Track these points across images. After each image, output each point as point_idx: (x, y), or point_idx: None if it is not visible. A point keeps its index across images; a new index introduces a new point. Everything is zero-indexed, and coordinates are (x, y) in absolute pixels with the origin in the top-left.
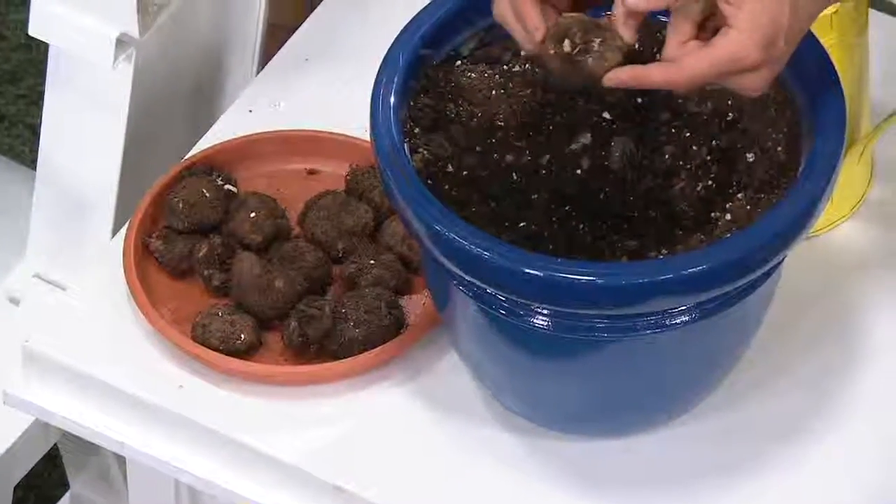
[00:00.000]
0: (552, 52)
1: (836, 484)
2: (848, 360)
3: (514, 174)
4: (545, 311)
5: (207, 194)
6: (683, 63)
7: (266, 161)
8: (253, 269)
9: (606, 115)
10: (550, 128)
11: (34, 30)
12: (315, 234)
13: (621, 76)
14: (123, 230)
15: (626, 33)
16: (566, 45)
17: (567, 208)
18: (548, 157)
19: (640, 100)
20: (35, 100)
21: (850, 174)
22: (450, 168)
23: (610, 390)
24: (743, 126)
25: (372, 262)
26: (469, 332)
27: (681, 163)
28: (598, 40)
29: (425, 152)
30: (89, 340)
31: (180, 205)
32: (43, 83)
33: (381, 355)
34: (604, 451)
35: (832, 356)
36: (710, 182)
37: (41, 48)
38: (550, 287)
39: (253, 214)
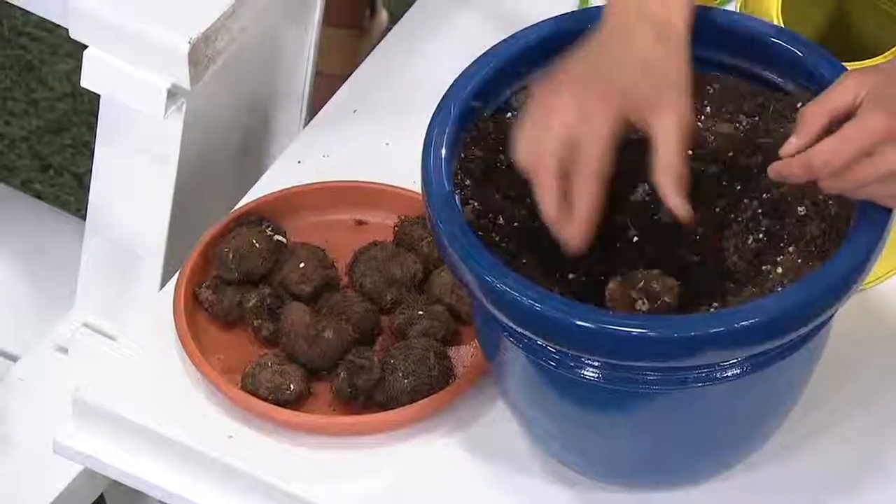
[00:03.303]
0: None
1: None
2: None
3: None
4: (595, 363)
5: (257, 245)
6: (845, 134)
7: (315, 212)
8: (302, 320)
9: None
10: None
11: (86, 81)
12: (364, 285)
13: (793, 170)
14: (173, 280)
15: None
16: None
17: (617, 261)
18: None
19: (691, 152)
20: (80, 149)
21: None
22: (500, 219)
23: (659, 442)
24: None
25: (420, 312)
26: (518, 382)
27: (732, 216)
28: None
29: (476, 203)
30: (138, 390)
31: (230, 255)
32: (88, 133)
33: (430, 406)
34: (654, 503)
35: (884, 409)
36: (761, 235)
37: (86, 98)
38: (601, 339)
39: (302, 265)
